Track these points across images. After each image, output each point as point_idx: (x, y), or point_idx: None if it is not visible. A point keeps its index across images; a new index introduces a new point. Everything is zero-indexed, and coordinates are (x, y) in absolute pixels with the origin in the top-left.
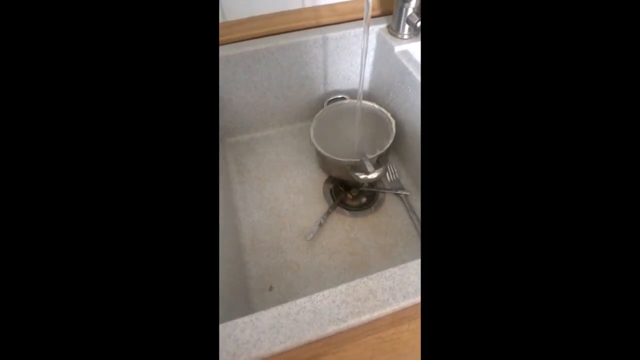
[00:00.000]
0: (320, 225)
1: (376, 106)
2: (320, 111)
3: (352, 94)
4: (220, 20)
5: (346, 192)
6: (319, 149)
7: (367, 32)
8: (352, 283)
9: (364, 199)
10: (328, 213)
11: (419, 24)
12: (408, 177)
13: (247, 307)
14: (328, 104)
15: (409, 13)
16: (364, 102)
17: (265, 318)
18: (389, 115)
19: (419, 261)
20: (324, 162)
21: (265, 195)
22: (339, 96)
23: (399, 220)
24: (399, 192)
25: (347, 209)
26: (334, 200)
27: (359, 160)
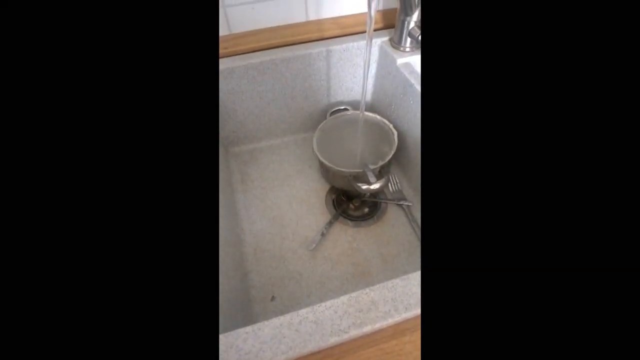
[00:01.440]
0: (323, 235)
1: (378, 117)
2: (323, 122)
3: (355, 105)
4: (226, 32)
5: (348, 203)
6: (322, 159)
7: (369, 45)
8: (354, 294)
9: (366, 209)
10: (330, 223)
11: (420, 37)
12: (410, 188)
13: (250, 317)
14: (331, 115)
15: (410, 26)
16: (367, 113)
17: (267, 328)
18: (391, 126)
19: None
20: (326, 172)
21: (269, 205)
22: (342, 107)
23: (401, 230)
24: (401, 202)
25: (349, 219)
26: (336, 210)
27: (361, 170)
